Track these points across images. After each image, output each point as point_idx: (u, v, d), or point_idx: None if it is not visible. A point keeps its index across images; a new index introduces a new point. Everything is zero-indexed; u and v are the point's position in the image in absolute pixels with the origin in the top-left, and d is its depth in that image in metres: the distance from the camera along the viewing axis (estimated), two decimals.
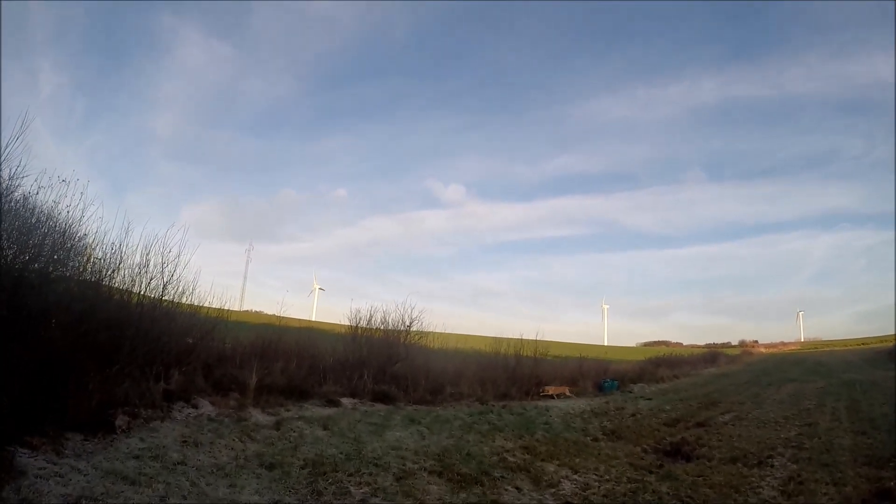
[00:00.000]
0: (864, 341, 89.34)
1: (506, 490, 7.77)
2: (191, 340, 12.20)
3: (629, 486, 8.37)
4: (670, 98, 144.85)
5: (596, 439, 12.19)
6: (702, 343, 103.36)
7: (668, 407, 17.84)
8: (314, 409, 12.74)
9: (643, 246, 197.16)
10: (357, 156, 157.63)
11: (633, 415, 16.04)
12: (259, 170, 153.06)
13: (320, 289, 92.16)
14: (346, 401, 14.22)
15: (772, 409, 16.87)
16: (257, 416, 11.04)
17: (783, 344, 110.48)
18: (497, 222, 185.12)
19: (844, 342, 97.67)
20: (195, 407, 10.47)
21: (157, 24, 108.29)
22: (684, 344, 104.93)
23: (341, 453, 8.88)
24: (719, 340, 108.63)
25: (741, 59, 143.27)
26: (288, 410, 12.12)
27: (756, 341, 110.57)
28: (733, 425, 13.99)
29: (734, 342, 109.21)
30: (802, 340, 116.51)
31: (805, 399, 19.42)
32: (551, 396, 19.38)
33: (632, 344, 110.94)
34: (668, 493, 7.98)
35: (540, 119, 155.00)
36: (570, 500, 7.57)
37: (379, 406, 14.52)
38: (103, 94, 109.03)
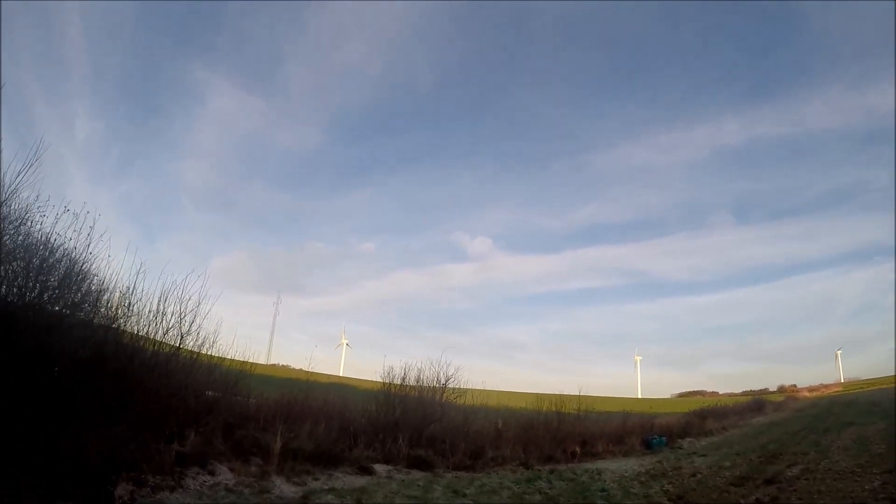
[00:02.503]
0: None
1: None
2: (210, 394, 11.03)
3: None
4: (693, 141, 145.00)
5: None
6: (738, 391, 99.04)
7: (727, 463, 16.05)
8: (345, 479, 11.35)
9: (672, 294, 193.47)
10: (384, 208, 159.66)
11: (694, 475, 14.28)
12: (288, 222, 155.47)
13: (347, 344, 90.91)
14: (379, 468, 12.80)
15: (841, 458, 15.03)
16: (281, 486, 9.73)
17: (824, 386, 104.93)
18: (523, 274, 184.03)
19: (889, 379, 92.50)
20: (212, 474, 9.16)
21: (190, 75, 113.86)
22: (720, 393, 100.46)
23: None
24: (756, 387, 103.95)
25: (762, 97, 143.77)
26: (316, 479, 10.79)
27: (795, 385, 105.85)
28: (807, 479, 12.28)
29: (772, 388, 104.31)
30: (843, 381, 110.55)
31: (872, 443, 17.46)
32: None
33: (666, 395, 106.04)
34: None
35: (564, 168, 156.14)
36: None
37: (416, 473, 13.04)
38: (137, 142, 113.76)
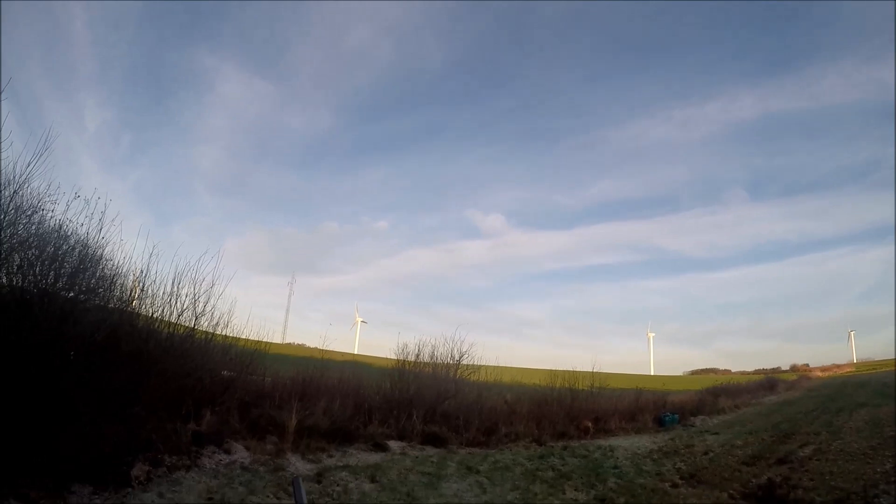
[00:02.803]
0: None
1: None
2: (226, 374, 11.21)
3: None
4: (708, 116, 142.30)
5: (675, 485, 10.59)
6: (751, 369, 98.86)
7: (739, 442, 16.01)
8: (360, 455, 11.52)
9: (686, 270, 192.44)
10: (397, 187, 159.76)
11: (706, 453, 14.27)
12: (300, 202, 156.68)
13: (363, 321, 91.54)
14: (394, 444, 12.96)
15: (853, 440, 14.93)
16: (297, 463, 9.91)
17: (836, 366, 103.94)
18: (537, 251, 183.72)
19: None
20: (227, 452, 9.36)
21: (198, 62, 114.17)
22: (733, 371, 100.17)
23: None
24: (768, 365, 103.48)
25: (777, 71, 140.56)
26: (331, 457, 10.96)
27: (807, 364, 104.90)
28: (818, 460, 12.23)
29: (784, 366, 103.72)
30: (856, 361, 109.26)
31: (885, 426, 17.31)
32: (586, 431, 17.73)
33: (679, 372, 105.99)
34: None
35: (578, 145, 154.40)
36: None
37: (430, 450, 13.19)
38: (147, 130, 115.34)
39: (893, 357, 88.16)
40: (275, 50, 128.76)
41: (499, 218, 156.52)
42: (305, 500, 0.83)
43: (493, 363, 20.20)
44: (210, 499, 7.15)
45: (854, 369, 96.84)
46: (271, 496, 7.71)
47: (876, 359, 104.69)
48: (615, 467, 12.36)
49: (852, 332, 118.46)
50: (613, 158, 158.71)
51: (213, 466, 8.65)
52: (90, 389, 7.01)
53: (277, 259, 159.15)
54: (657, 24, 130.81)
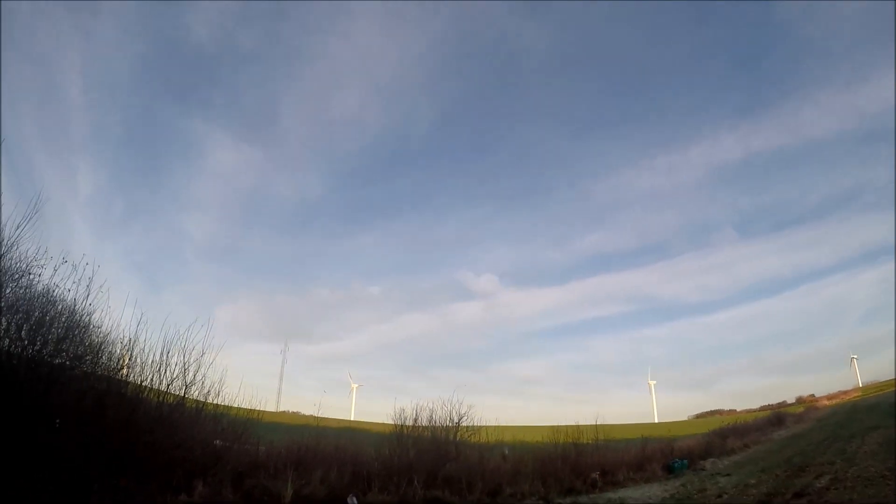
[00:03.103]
0: None
1: None
2: (218, 443, 10.89)
3: None
4: (691, 161, 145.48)
5: None
6: (756, 406, 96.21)
7: (752, 481, 15.46)
8: None
9: (682, 315, 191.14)
10: (388, 251, 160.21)
11: (720, 496, 13.78)
12: (292, 269, 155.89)
13: (358, 386, 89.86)
14: None
15: (870, 464, 14.49)
16: None
17: (843, 393, 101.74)
18: (532, 308, 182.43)
19: None
20: None
21: (190, 129, 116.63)
22: (738, 410, 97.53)
23: None
24: (773, 401, 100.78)
25: (754, 110, 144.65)
26: None
27: (813, 395, 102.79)
28: (836, 489, 11.82)
29: (790, 400, 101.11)
30: (861, 385, 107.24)
31: None
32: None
33: (683, 417, 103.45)
34: None
35: (565, 199, 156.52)
36: None
37: None
38: (139, 196, 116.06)
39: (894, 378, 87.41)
40: (264, 116, 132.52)
41: (491, 278, 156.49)
42: None
43: (493, 423, 19.73)
44: None
45: (861, 393, 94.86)
46: None
47: (882, 380, 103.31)
48: None
49: (855, 358, 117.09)
50: (602, 210, 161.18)
51: None
52: (75, 459, 6.78)
53: (270, 326, 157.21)
54: (636, 73, 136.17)
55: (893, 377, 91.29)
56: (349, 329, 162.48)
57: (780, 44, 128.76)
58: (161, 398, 10.07)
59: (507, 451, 18.05)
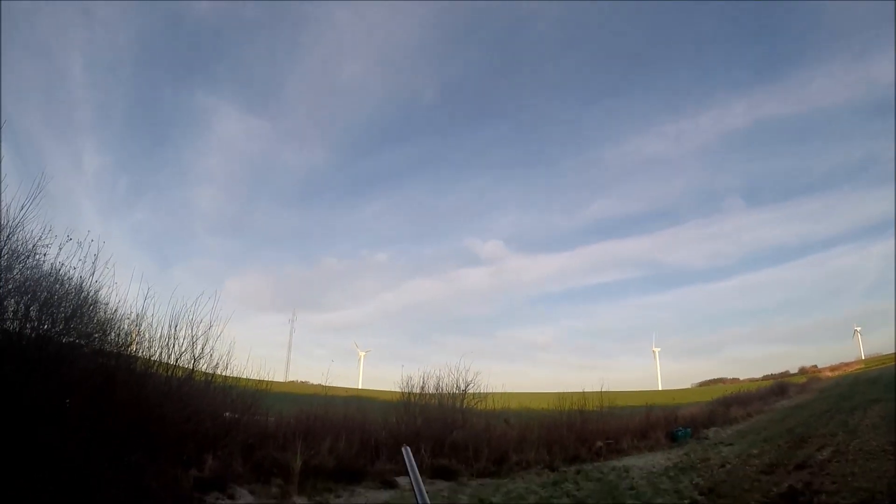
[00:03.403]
0: None
1: None
2: (228, 415, 10.93)
3: None
4: (701, 128, 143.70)
5: (694, 501, 10.28)
6: (759, 375, 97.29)
7: (755, 451, 15.64)
8: (368, 494, 11.14)
9: (689, 282, 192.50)
10: (395, 219, 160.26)
11: (723, 465, 13.93)
12: (299, 239, 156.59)
13: (365, 353, 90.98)
14: (402, 480, 12.53)
15: (871, 437, 14.61)
16: None
17: (845, 365, 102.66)
18: (539, 274, 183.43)
19: None
20: (231, 497, 9.03)
21: (194, 103, 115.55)
22: (741, 378, 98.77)
23: None
24: (776, 370, 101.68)
25: (766, 78, 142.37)
26: (338, 497, 10.62)
27: (815, 366, 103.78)
28: (838, 462, 11.91)
29: (793, 370, 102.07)
30: (864, 357, 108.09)
31: None
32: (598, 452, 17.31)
33: (687, 385, 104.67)
34: None
35: (573, 166, 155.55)
36: None
37: (440, 483, 12.82)
38: (145, 173, 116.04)
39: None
40: (270, 88, 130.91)
41: (497, 244, 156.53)
42: (416, 467, 0.78)
43: (499, 390, 19.84)
44: None
45: (864, 366, 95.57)
46: None
47: (884, 353, 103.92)
48: (632, 488, 11.99)
49: (859, 330, 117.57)
50: (610, 177, 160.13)
51: None
52: (88, 437, 6.75)
53: (278, 297, 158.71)
54: (645, 40, 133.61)
55: (895, 351, 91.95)
56: (357, 298, 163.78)
57: (793, 13, 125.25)
58: (170, 372, 10.08)
59: (510, 420, 18.14)
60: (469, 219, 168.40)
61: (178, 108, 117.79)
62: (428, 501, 0.68)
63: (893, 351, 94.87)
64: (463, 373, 18.16)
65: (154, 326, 10.47)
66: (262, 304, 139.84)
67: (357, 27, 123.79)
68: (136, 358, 9.86)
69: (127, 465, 7.35)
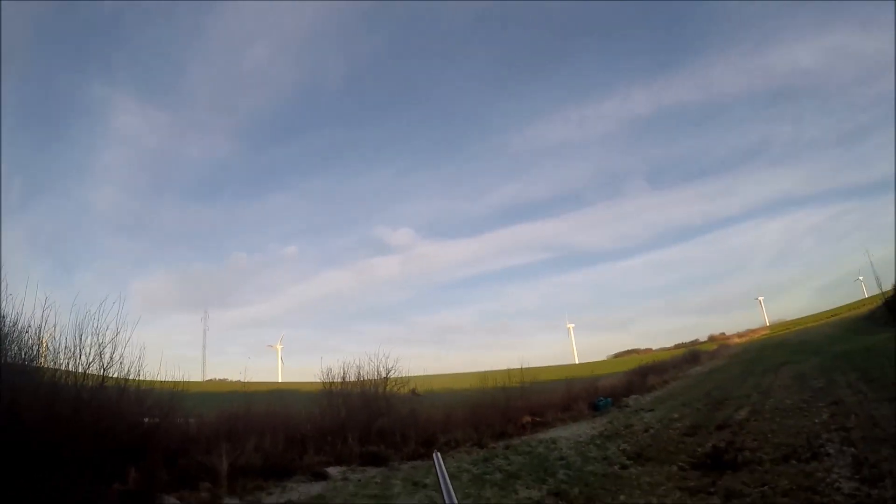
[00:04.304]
0: (834, 312, 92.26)
1: None
2: (147, 421, 10.33)
3: None
4: (604, 114, 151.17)
5: (624, 466, 10.91)
6: (671, 345, 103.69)
7: (676, 415, 16.79)
8: (300, 488, 10.93)
9: (598, 261, 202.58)
10: (304, 210, 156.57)
11: (647, 430, 14.85)
12: (206, 236, 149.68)
13: (281, 346, 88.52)
14: (333, 470, 12.45)
15: (785, 396, 16.12)
16: None
17: (752, 331, 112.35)
18: (450, 260, 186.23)
19: (814, 317, 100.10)
20: None
21: (88, 94, 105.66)
22: (654, 349, 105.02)
23: None
24: (687, 339, 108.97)
25: (667, 66, 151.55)
26: (270, 494, 10.35)
27: (724, 333, 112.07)
28: (756, 421, 13.05)
29: (703, 338, 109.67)
30: (769, 324, 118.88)
31: (811, 379, 18.77)
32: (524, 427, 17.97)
33: (603, 357, 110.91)
34: None
35: (480, 152, 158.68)
36: None
37: (371, 470, 12.78)
38: (39, 171, 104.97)
39: (803, 315, 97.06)
40: (170, 77, 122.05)
41: (408, 231, 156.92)
42: (445, 471, 0.78)
43: (421, 374, 20.09)
44: None
45: (769, 332, 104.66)
46: None
47: (787, 319, 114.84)
48: (561, 458, 12.53)
49: (761, 299, 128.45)
50: (516, 162, 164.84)
51: None
52: None
53: (187, 296, 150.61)
54: (549, 29, 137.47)
55: (798, 316, 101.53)
56: (269, 292, 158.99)
57: (693, 4, 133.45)
58: (80, 383, 9.35)
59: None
60: (378, 207, 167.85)
61: (73, 101, 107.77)
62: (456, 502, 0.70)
63: (795, 317, 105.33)
64: (383, 360, 18.20)
65: (58, 337, 9.72)
66: (172, 304, 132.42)
67: (260, 12, 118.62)
68: (43, 371, 9.07)
69: (44, 490, 6.77)
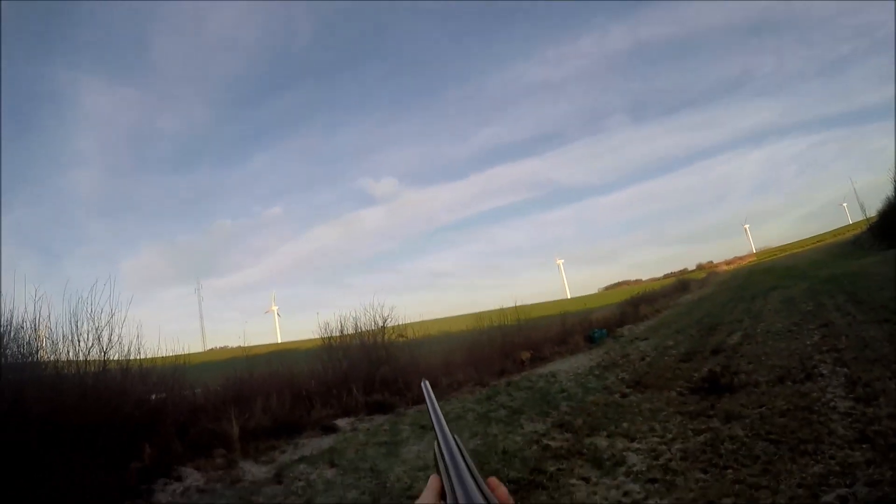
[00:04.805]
0: (819, 238, 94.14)
1: (573, 486, 6.58)
2: (154, 398, 10.44)
3: (700, 438, 7.42)
4: (582, 51, 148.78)
5: (624, 395, 11.24)
6: (660, 275, 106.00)
7: (670, 342, 17.21)
8: (312, 443, 11.22)
9: (584, 197, 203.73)
10: (284, 170, 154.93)
11: (643, 359, 15.24)
12: (189, 206, 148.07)
13: (277, 312, 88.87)
14: (342, 422, 12.77)
15: (775, 320, 16.51)
16: (251, 469, 9.46)
17: (739, 258, 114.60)
18: (436, 205, 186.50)
19: (799, 244, 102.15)
20: (179, 479, 8.74)
21: (56, 79, 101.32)
22: (644, 279, 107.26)
23: (364, 494, 7.49)
24: (676, 269, 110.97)
25: (644, 1, 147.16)
26: (283, 452, 10.60)
27: (711, 261, 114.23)
28: (749, 344, 13.41)
29: (691, 267, 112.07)
30: (755, 251, 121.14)
31: (800, 303, 19.21)
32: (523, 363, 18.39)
33: (594, 290, 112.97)
34: (748, 435, 7.04)
35: (459, 97, 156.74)
36: (652, 476, 6.45)
37: (379, 418, 13.12)
38: (15, 164, 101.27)
39: (788, 242, 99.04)
40: (135, 52, 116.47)
41: (391, 181, 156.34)
42: (435, 399, 0.78)
43: (417, 320, 20.29)
44: None
45: (756, 258, 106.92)
46: None
47: (773, 246, 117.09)
48: (562, 391, 12.89)
49: (747, 227, 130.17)
50: (495, 104, 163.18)
51: (169, 499, 8.06)
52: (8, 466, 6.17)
53: (179, 269, 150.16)
54: None
55: (783, 243, 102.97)
56: (258, 254, 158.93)
57: None
58: (82, 371, 9.37)
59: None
60: (360, 160, 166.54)
61: (40, 88, 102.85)
62: (450, 437, 0.69)
63: (780, 243, 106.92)
64: (379, 309, 18.32)
65: (54, 328, 9.67)
66: (164, 280, 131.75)
67: None
68: (45, 364, 9.04)
69: (61, 480, 6.85)
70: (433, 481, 0.76)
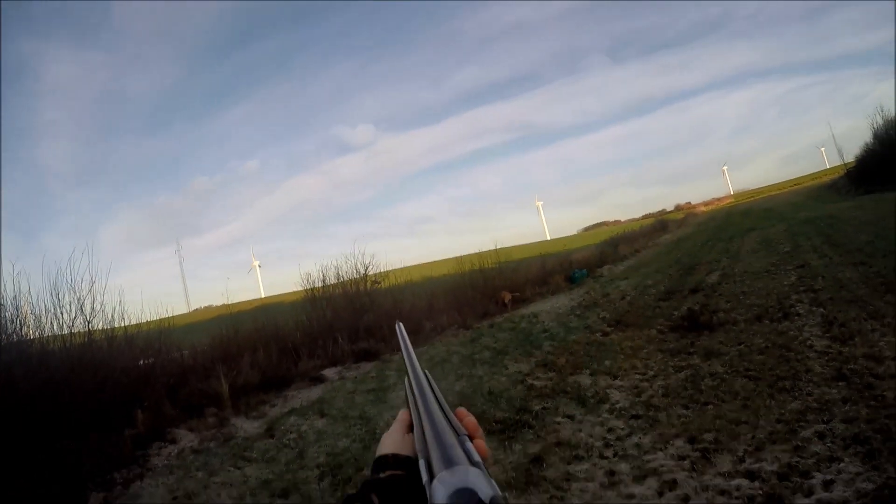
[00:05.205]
0: (797, 182, 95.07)
1: (558, 423, 6.79)
2: (143, 363, 10.43)
3: (681, 375, 7.64)
4: None
5: (605, 334, 11.48)
6: (639, 215, 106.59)
7: (649, 282, 17.45)
8: (301, 395, 11.40)
9: (562, 138, 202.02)
10: (258, 123, 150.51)
11: (623, 298, 15.49)
12: (166, 167, 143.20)
13: (259, 266, 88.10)
14: (329, 372, 12.97)
15: (753, 260, 16.76)
16: (243, 425, 9.61)
17: (717, 200, 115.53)
18: (413, 150, 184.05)
19: (777, 186, 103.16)
20: (173, 442, 8.86)
21: (16, 51, 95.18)
22: (623, 220, 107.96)
23: (355, 442, 7.66)
24: (654, 209, 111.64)
25: None
26: (273, 406, 10.76)
27: (690, 202, 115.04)
28: (727, 284, 13.65)
29: (669, 207, 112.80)
30: (733, 193, 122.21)
31: (778, 244, 19.43)
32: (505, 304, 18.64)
33: (573, 231, 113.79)
34: (728, 372, 7.27)
35: (435, 39, 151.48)
36: (635, 412, 6.68)
37: (365, 366, 13.32)
38: None
39: (766, 184, 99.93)
40: (97, 14, 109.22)
41: (367, 128, 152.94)
42: (409, 341, 0.82)
43: (399, 266, 20.35)
44: (175, 499, 6.77)
45: (734, 200, 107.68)
46: (233, 469, 7.45)
47: (751, 188, 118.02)
48: (545, 331, 13.13)
49: (725, 168, 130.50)
50: (471, 46, 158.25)
51: (165, 462, 8.15)
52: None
53: (158, 231, 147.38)
54: None
55: (761, 185, 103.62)
56: (237, 210, 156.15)
57: None
58: (68, 343, 9.27)
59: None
60: (335, 107, 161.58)
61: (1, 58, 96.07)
62: (420, 373, 0.71)
63: (758, 185, 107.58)
64: (360, 257, 18.29)
65: (35, 303, 9.50)
66: (144, 243, 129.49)
67: None
68: (31, 342, 8.91)
69: (56, 455, 6.88)
70: (402, 414, 0.83)
